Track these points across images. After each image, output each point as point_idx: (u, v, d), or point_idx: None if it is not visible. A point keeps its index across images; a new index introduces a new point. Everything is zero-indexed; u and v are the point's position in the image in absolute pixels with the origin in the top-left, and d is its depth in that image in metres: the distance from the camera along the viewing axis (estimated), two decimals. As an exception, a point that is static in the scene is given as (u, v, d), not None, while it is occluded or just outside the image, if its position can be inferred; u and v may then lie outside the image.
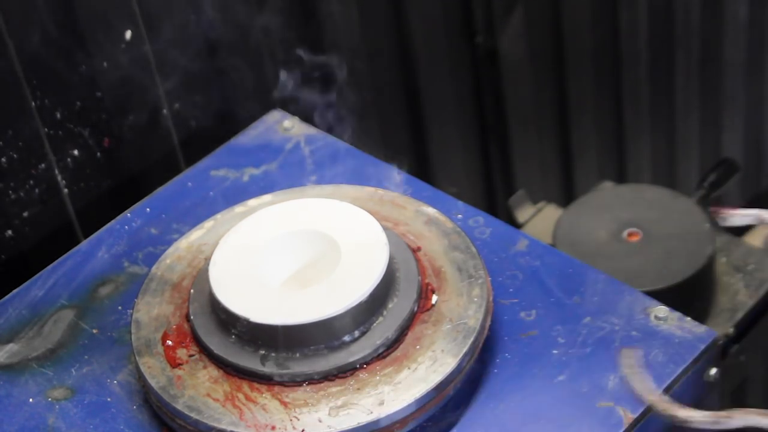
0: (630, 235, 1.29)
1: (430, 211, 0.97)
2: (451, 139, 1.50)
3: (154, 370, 0.87)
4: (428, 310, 0.89)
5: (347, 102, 1.36)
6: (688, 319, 0.91)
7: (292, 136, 1.13)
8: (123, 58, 1.13)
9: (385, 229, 0.92)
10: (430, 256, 0.93)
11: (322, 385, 0.85)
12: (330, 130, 1.15)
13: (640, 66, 1.71)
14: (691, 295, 1.24)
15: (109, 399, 0.90)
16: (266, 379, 0.85)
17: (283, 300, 0.87)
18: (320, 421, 0.83)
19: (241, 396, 0.85)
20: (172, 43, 1.17)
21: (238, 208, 1.00)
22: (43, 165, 1.11)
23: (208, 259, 0.92)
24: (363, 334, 0.86)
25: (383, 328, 0.87)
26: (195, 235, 0.98)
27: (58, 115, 1.11)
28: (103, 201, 1.17)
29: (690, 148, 1.85)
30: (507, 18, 1.49)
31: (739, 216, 1.08)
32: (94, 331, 0.96)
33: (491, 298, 0.90)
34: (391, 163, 1.12)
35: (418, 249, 0.94)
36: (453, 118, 1.49)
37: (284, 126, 1.14)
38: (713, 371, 0.90)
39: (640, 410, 0.85)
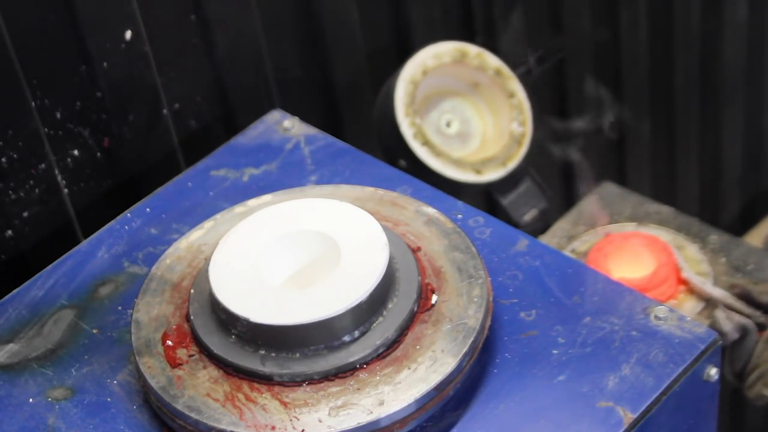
0: None
1: (430, 211, 0.97)
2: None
3: (154, 370, 0.87)
4: (428, 310, 0.89)
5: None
6: (689, 319, 0.91)
7: (292, 136, 1.13)
8: (123, 58, 1.13)
9: (385, 229, 0.92)
10: (430, 256, 0.93)
11: (322, 385, 0.85)
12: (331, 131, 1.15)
13: (640, 66, 1.71)
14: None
15: (109, 399, 0.90)
16: (266, 379, 0.85)
17: (283, 300, 0.87)
18: (320, 421, 0.83)
19: (241, 396, 0.85)
20: (172, 43, 1.17)
21: (238, 208, 1.00)
22: (43, 165, 1.11)
23: (208, 259, 0.92)
24: (363, 334, 0.86)
25: (383, 328, 0.87)
26: (195, 235, 0.98)
27: (58, 115, 1.11)
28: (103, 201, 1.17)
29: (690, 148, 1.85)
30: (507, 18, 1.49)
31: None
32: (94, 331, 0.96)
33: (491, 298, 0.90)
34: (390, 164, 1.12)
35: (418, 249, 0.94)
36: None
37: (284, 126, 1.14)
38: (713, 371, 0.90)
39: (640, 410, 0.85)
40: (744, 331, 1.07)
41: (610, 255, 1.27)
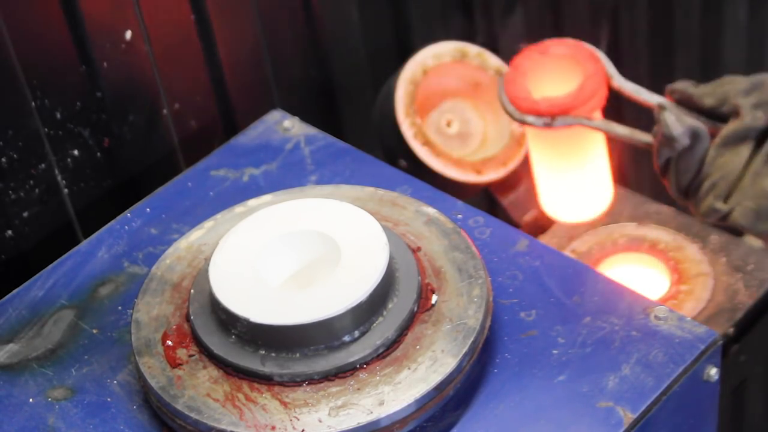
0: None
1: (430, 211, 0.97)
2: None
3: (154, 370, 0.87)
4: (428, 310, 0.89)
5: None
6: (688, 319, 0.91)
7: (292, 136, 1.13)
8: (123, 58, 1.13)
9: (385, 229, 0.92)
10: (430, 256, 0.93)
11: (322, 385, 0.85)
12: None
13: (641, 66, 1.71)
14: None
15: (109, 399, 0.90)
16: (266, 379, 0.85)
17: (283, 300, 0.87)
18: (320, 421, 0.83)
19: (241, 396, 0.85)
20: (172, 43, 1.17)
21: (238, 208, 1.00)
22: (43, 165, 1.11)
23: (208, 259, 0.92)
24: (363, 334, 0.86)
25: (383, 328, 0.87)
26: (195, 235, 0.98)
27: (58, 115, 1.11)
28: (103, 201, 1.17)
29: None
30: (507, 18, 1.49)
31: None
32: (94, 331, 0.96)
33: (491, 298, 0.90)
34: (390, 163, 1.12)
35: (418, 249, 0.94)
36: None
37: (284, 126, 1.14)
38: (713, 371, 0.90)
39: (640, 410, 0.85)
40: (695, 136, 0.92)
41: (529, 71, 1.12)
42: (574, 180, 1.18)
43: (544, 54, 1.12)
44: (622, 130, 1.03)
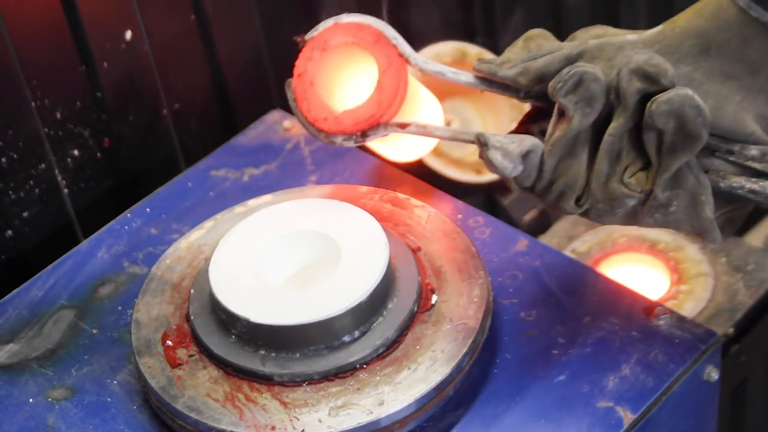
0: None
1: (430, 211, 0.97)
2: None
3: (154, 370, 0.87)
4: (428, 310, 0.89)
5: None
6: (689, 318, 0.91)
7: (292, 136, 1.13)
8: (123, 58, 1.13)
9: (385, 229, 0.92)
10: (430, 256, 0.93)
11: (322, 385, 0.85)
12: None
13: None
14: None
15: (109, 399, 0.90)
16: (266, 379, 0.85)
17: (283, 300, 0.87)
18: (320, 421, 0.83)
19: (241, 396, 0.85)
20: (172, 43, 1.17)
21: (238, 208, 1.00)
22: (43, 165, 1.11)
23: (208, 259, 0.92)
24: (363, 334, 0.86)
25: (383, 329, 0.87)
26: (195, 235, 0.98)
27: (58, 115, 1.11)
28: (103, 201, 1.17)
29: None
30: (507, 18, 1.49)
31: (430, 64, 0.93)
32: (94, 331, 0.96)
33: (491, 298, 0.90)
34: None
35: (418, 249, 0.94)
36: (453, 118, 1.49)
37: (284, 126, 1.14)
38: (713, 371, 0.90)
39: (640, 410, 0.85)
40: (526, 155, 0.86)
41: (316, 76, 0.95)
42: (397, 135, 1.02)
43: (324, 50, 0.95)
44: (442, 132, 0.93)
